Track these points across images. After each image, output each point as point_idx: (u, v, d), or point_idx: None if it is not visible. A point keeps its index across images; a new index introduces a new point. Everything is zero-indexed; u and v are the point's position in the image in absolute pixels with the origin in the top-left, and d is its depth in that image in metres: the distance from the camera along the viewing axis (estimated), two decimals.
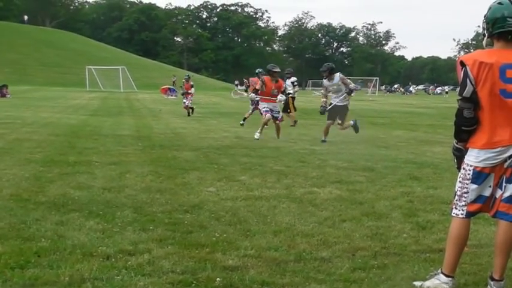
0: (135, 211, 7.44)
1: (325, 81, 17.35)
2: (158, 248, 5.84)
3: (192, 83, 29.68)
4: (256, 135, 17.13)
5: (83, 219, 6.89)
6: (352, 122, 17.87)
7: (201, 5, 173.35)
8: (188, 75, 31.08)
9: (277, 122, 17.71)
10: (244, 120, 22.51)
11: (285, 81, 23.23)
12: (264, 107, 17.59)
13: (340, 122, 17.18)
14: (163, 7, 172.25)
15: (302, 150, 14.70)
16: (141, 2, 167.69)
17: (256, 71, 24.96)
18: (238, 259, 5.60)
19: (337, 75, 17.18)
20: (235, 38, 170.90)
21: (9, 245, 5.79)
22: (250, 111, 23.24)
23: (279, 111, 18.02)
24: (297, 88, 25.42)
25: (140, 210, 7.50)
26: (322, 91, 17.65)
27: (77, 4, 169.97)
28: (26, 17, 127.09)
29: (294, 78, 25.10)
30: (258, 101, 23.70)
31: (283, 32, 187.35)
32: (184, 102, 28.68)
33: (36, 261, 5.34)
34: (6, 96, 44.31)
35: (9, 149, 13.38)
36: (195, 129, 20.42)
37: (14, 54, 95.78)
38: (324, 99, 17.16)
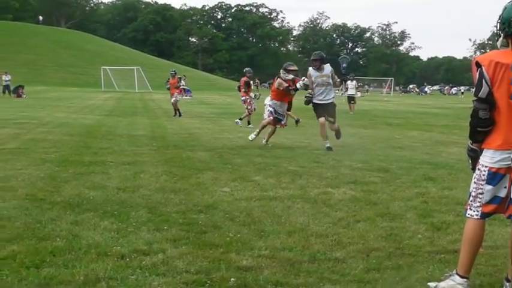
0: (149, 211, 7.46)
1: (312, 71, 15.33)
2: (172, 248, 5.85)
3: (179, 77, 29.42)
4: (251, 136, 15.63)
5: (97, 219, 6.92)
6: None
7: (215, 5, 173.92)
8: (174, 70, 30.43)
9: (278, 125, 16.00)
10: (249, 123, 22.56)
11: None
12: (269, 107, 15.85)
13: (331, 119, 15.29)
14: (178, 7, 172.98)
15: (316, 150, 14.65)
16: (156, 3, 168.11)
17: (244, 70, 25.03)
18: (252, 259, 5.60)
19: (328, 66, 15.39)
20: (250, 39, 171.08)
21: (25, 245, 5.82)
22: (247, 111, 23.34)
23: (284, 115, 16.32)
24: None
25: (154, 210, 7.51)
26: (306, 81, 15.35)
27: (92, 5, 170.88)
28: (41, 18, 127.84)
29: None
30: (244, 100, 23.78)
31: (298, 33, 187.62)
32: (175, 99, 28.35)
33: (52, 261, 5.37)
34: (22, 96, 44.63)
35: (24, 149, 13.46)
36: (209, 130, 20.45)
37: (29, 55, 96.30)
38: (310, 90, 15.21)
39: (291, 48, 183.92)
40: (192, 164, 11.84)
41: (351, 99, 35.64)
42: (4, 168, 10.41)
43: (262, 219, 7.20)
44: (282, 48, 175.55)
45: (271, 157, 13.15)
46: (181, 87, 28.73)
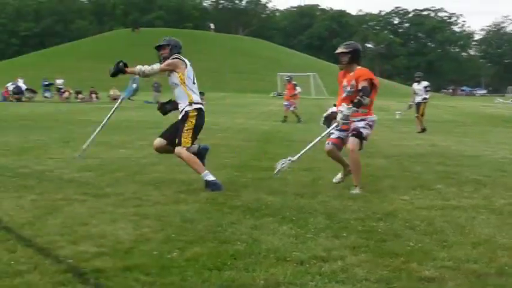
0: (327, 217, 7.41)
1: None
2: (351, 256, 5.77)
3: (294, 82, 29.26)
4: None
5: (276, 224, 6.96)
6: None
7: (392, 10, 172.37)
8: (290, 76, 30.09)
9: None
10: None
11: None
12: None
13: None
14: (354, 13, 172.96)
15: (502, 159, 14.04)
16: (331, 9, 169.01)
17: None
18: (434, 270, 5.41)
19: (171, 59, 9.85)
20: (429, 44, 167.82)
21: (207, 247, 5.95)
22: None
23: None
24: (430, 94, 24.53)
25: (333, 217, 7.45)
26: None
27: (268, 12, 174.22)
28: (212, 25, 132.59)
29: (426, 83, 24.28)
30: None
31: (480, 37, 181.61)
32: (288, 106, 28.45)
33: (232, 264, 5.45)
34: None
35: None
36: (387, 137, 20.14)
37: (209, 63, 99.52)
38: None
39: (472, 53, 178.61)
40: (370, 171, 11.67)
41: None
42: (186, 171, 10.68)
43: (445, 229, 6.96)
44: (462, 53, 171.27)
45: (453, 165, 12.74)
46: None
